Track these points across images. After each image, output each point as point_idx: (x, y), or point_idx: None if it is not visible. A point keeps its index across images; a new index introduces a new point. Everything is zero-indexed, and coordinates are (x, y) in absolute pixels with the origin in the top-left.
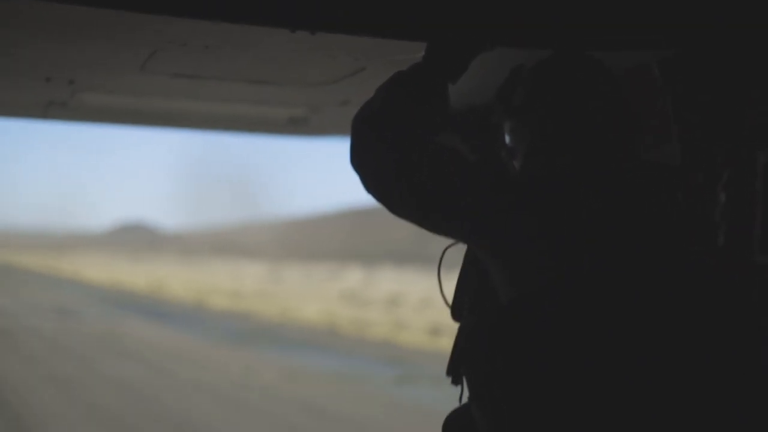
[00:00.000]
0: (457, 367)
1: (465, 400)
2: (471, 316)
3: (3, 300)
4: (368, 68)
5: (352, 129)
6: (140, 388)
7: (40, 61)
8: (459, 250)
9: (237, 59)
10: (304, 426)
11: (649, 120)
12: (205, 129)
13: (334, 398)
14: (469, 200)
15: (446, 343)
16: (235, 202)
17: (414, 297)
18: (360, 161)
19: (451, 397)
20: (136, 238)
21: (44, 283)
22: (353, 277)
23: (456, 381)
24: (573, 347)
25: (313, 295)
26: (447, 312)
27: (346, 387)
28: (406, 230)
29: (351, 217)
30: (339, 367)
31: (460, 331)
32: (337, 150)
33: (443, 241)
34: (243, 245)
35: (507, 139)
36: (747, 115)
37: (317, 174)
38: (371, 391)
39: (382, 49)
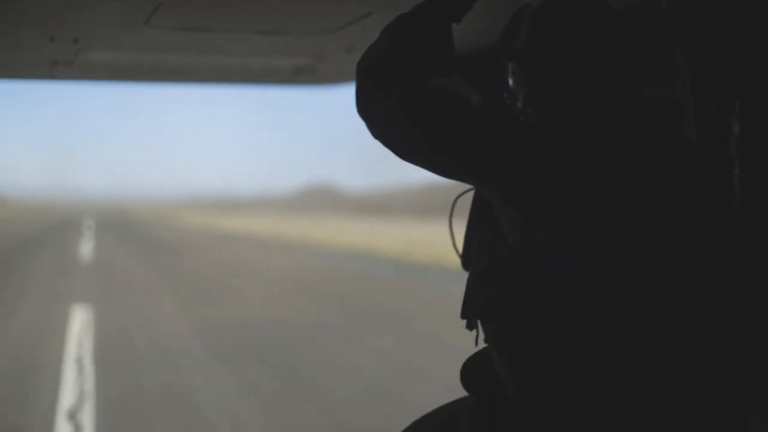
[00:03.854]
0: (472, 312)
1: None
2: (482, 260)
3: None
4: (375, 13)
5: (357, 77)
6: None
7: (43, 20)
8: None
9: (243, 9)
10: None
11: (656, 54)
12: (211, 83)
13: None
14: (479, 143)
15: None
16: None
17: None
18: (366, 109)
19: None
20: (317, 200)
21: (180, 229)
22: None
23: (471, 326)
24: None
25: None
26: None
27: None
28: None
29: None
30: None
31: (472, 275)
32: None
33: None
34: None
35: (511, 82)
36: (758, 44)
37: None
38: None
39: None
